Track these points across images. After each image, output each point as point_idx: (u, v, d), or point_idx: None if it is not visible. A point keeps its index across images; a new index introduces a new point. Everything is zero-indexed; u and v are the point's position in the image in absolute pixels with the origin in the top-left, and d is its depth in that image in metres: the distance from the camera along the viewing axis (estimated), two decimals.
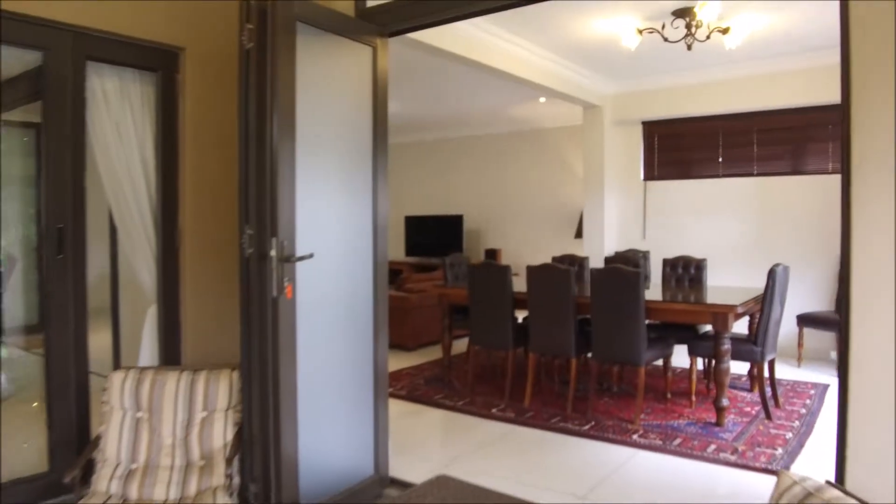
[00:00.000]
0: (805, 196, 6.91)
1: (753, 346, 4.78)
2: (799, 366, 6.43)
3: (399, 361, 6.81)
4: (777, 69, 6.79)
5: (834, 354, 6.58)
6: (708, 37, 5.37)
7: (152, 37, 3.70)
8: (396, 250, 12.18)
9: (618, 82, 7.69)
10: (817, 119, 6.84)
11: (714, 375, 4.68)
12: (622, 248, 7.86)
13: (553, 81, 6.78)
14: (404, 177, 12.20)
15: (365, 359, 3.61)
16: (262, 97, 3.04)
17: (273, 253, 2.93)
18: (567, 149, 10.08)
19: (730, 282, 6.90)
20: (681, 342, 5.31)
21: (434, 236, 11.34)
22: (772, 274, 4.71)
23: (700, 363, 5.66)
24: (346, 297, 3.48)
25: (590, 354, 5.04)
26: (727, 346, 4.57)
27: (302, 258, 3.02)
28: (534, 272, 5.13)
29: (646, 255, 7.41)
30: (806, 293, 6.80)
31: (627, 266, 5.65)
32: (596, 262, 7.41)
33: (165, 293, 3.86)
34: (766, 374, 4.92)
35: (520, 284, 5.43)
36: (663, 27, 5.39)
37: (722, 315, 4.52)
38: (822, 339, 6.71)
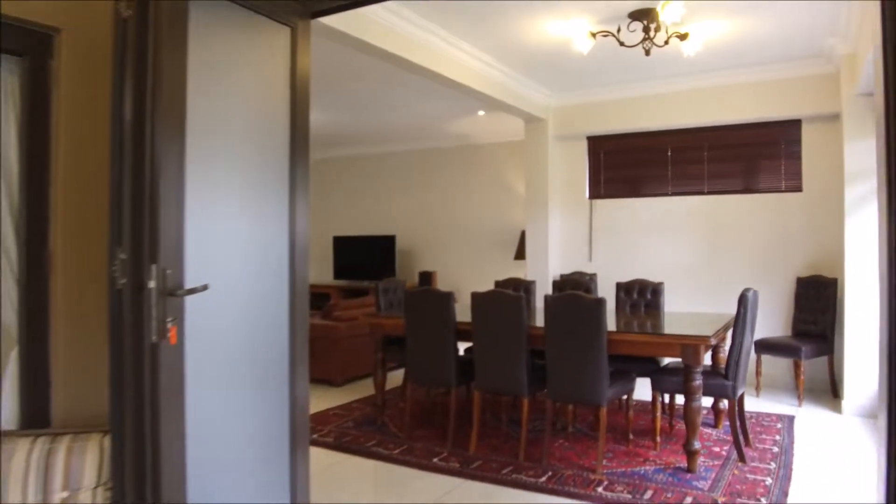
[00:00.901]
0: (758, 215, 6.59)
1: (724, 381, 4.29)
2: (758, 395, 6.02)
3: (325, 399, 6.06)
4: (729, 82, 6.47)
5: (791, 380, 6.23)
6: (667, 42, 4.94)
7: (19, 13, 2.92)
8: (324, 273, 11.42)
9: (562, 94, 7.24)
10: (770, 135, 6.54)
11: (685, 415, 4.15)
12: (567, 270, 7.37)
13: (494, 90, 6.24)
14: (332, 194, 11.48)
15: (279, 405, 2.89)
16: (142, 81, 2.31)
17: (152, 284, 2.20)
18: (506, 166, 9.59)
19: (685, 306, 6.48)
20: (642, 375, 4.80)
21: (365, 258, 10.64)
22: (743, 300, 4.25)
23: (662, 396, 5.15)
24: (254, 331, 2.77)
25: (545, 390, 4.45)
26: (698, 381, 4.06)
27: (192, 291, 2.29)
28: (480, 299, 4.52)
29: (593, 277, 6.93)
30: (762, 317, 6.42)
31: (581, 291, 5.13)
32: (543, 287, 6.88)
33: (30, 333, 3.04)
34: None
35: (461, 312, 4.81)
36: (619, 31, 4.93)
37: (693, 347, 4.00)
38: (778, 366, 6.35)
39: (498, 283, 6.13)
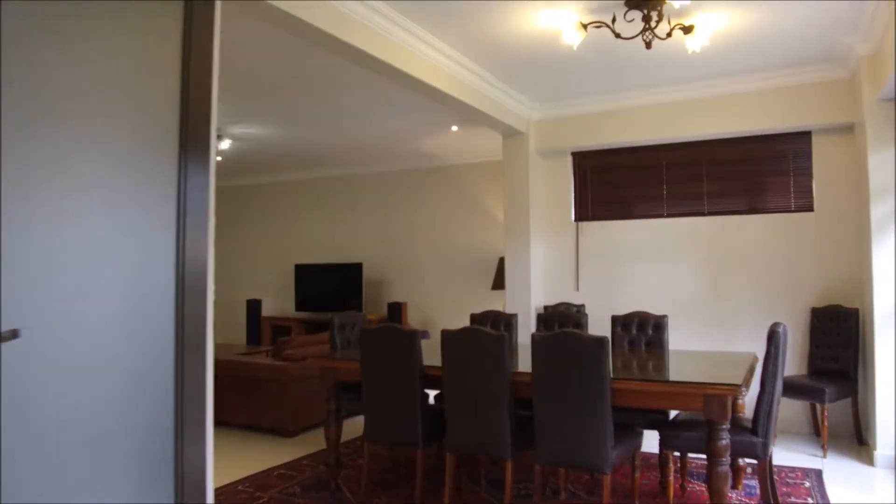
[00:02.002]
0: (765, 238, 5.87)
1: (752, 437, 3.50)
2: (774, 443, 5.22)
3: (272, 454, 5.15)
4: (730, 91, 5.79)
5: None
6: (669, 34, 4.22)
7: None
8: (285, 304, 10.50)
9: (545, 104, 6.51)
10: (776, 149, 5.86)
11: (709, 481, 3.33)
12: (552, 301, 6.58)
13: (469, 96, 5.48)
14: (294, 219, 10.62)
15: (156, 492, 2.05)
16: None
17: None
18: (483, 188, 8.83)
19: (686, 342, 5.70)
20: (647, 426, 3.99)
21: (329, 288, 9.76)
22: (774, 337, 3.47)
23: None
24: (114, 392, 1.92)
25: (533, 450, 3.61)
26: (726, 440, 3.25)
27: None
28: (452, 339, 3.69)
29: (581, 309, 6.14)
30: None
31: (570, 326, 4.33)
32: (526, 321, 6.08)
33: None
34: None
35: (432, 352, 3.98)
36: (614, 20, 4.20)
37: (719, 399, 3.20)
38: (791, 408, 5.58)
39: (474, 318, 5.31)
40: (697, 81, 5.81)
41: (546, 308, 6.37)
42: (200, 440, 2.14)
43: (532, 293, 6.45)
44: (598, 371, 3.24)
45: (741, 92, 5.75)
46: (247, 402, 5.97)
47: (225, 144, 7.70)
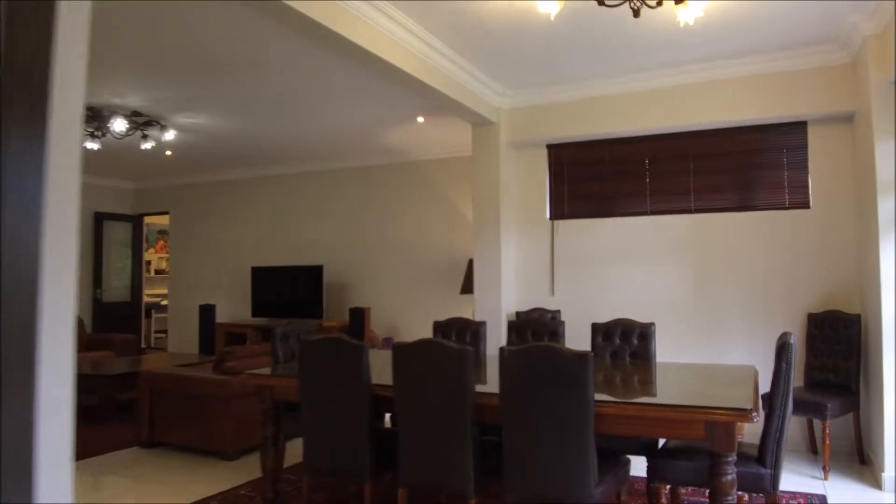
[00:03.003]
0: (757, 237, 5.37)
1: (759, 468, 2.96)
2: None
3: (208, 481, 4.51)
4: (718, 77, 5.29)
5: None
6: (660, 2, 3.69)
7: None
8: (241, 310, 9.83)
9: (518, 91, 5.96)
10: (769, 141, 5.37)
11: None
12: (525, 307, 6.02)
13: (435, 78, 4.91)
14: (251, 218, 9.95)
15: None
16: None
17: None
18: (452, 185, 8.26)
19: (672, 353, 5.18)
20: (633, 452, 3.44)
21: (287, 292, 9.10)
22: (784, 351, 2.94)
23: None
24: None
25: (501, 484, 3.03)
26: (731, 475, 2.70)
27: None
28: (407, 353, 3.10)
29: (556, 315, 5.59)
30: (768, 363, 5.17)
31: (546, 336, 3.78)
32: (496, 329, 5.51)
33: None
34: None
35: (386, 368, 3.39)
36: None
37: (725, 427, 2.64)
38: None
39: (438, 326, 4.74)
40: (684, 66, 5.30)
41: (518, 315, 5.82)
42: (25, 488, 1.53)
43: (503, 298, 5.88)
44: (580, 392, 2.67)
45: (731, 78, 5.25)
46: (186, 421, 5.33)
47: (170, 135, 7.03)
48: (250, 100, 6.21)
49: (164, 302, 12.01)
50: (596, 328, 4.24)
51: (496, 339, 5.39)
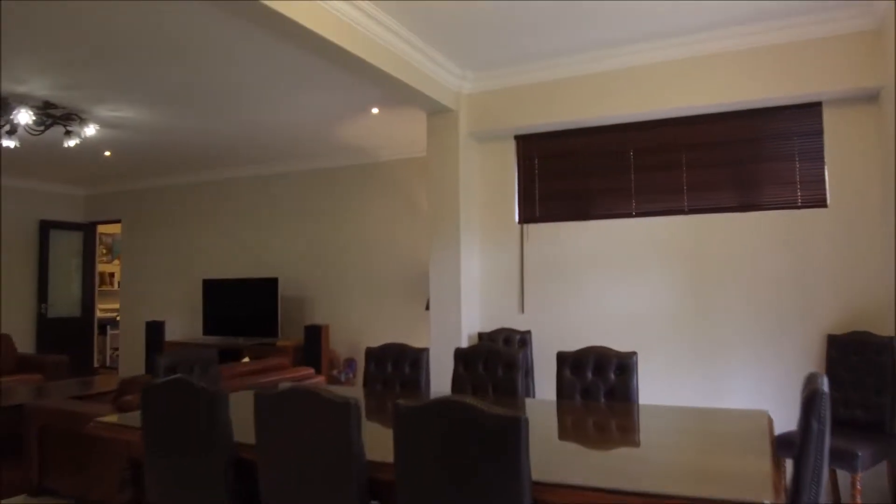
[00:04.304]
0: (764, 243, 4.47)
1: None
2: None
3: None
4: (715, 49, 4.40)
5: None
6: None
7: None
8: (192, 327, 8.91)
9: (479, 73, 5.07)
10: (776, 126, 4.48)
11: None
12: (490, 326, 5.11)
13: (377, 55, 4.04)
14: (202, 227, 9.06)
15: None
16: None
17: None
18: (417, 188, 7.37)
19: (662, 386, 4.28)
20: None
21: (240, 308, 8.19)
22: (816, 404, 2.03)
23: None
24: None
25: None
26: None
27: None
28: (271, 407, 2.18)
29: (525, 337, 4.69)
30: (778, 397, 4.27)
31: (501, 365, 2.93)
32: (445, 356, 4.61)
33: None
34: None
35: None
36: None
37: None
38: None
39: (371, 354, 3.82)
40: (674, 37, 4.42)
41: (481, 336, 4.91)
42: None
43: (463, 316, 4.96)
44: (509, 473, 1.76)
45: (731, 51, 4.37)
46: (76, 466, 4.42)
47: (90, 130, 6.14)
48: (178, 89, 5.37)
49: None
50: (563, 358, 3.32)
51: (447, 367, 4.48)
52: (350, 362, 7.61)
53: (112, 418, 2.96)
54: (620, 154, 4.90)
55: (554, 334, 4.86)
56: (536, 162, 5.19)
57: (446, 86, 4.96)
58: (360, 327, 7.70)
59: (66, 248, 10.05)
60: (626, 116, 4.73)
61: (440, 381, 4.55)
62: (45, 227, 9.74)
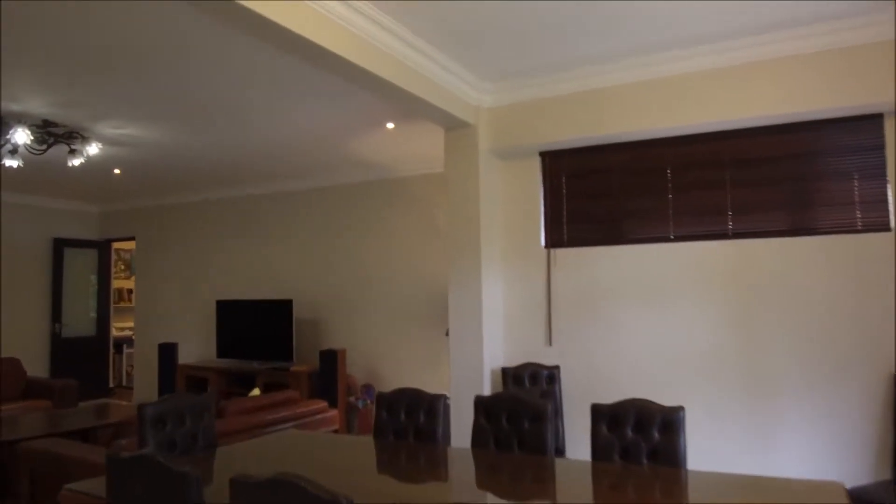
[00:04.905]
0: (820, 271, 4.01)
1: None
2: None
3: None
4: (762, 56, 3.98)
5: None
6: None
7: None
8: (205, 350, 8.62)
9: (500, 84, 4.68)
10: (832, 141, 4.04)
11: None
12: (514, 360, 4.71)
13: (392, 70, 3.69)
14: (214, 245, 8.78)
15: None
16: None
17: None
18: (437, 205, 7.00)
19: (705, 439, 3.84)
20: None
21: (254, 331, 7.87)
22: None
23: None
24: None
25: None
26: None
27: None
28: (244, 496, 1.80)
29: (553, 373, 4.29)
30: (839, 446, 3.81)
31: (528, 422, 2.55)
32: (464, 396, 4.22)
33: None
34: None
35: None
36: None
37: None
38: None
39: (382, 400, 3.43)
40: (717, 42, 4.00)
41: (505, 372, 4.50)
42: None
43: (485, 350, 4.56)
44: None
45: (780, 56, 3.93)
46: None
47: (93, 149, 5.87)
48: (186, 106, 5.12)
49: None
50: (599, 412, 2.90)
51: (469, 414, 4.08)
52: (368, 388, 7.24)
53: (84, 485, 2.62)
54: (657, 172, 4.48)
55: (585, 370, 4.45)
56: (564, 180, 4.78)
57: (464, 99, 4.59)
58: (377, 351, 7.33)
59: (80, 267, 9.85)
60: (663, 130, 4.31)
61: (461, 429, 4.16)
62: (59, 246, 9.55)
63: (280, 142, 6.23)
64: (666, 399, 3.01)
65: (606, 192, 4.65)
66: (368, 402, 7.14)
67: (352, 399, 7.18)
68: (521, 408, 3.00)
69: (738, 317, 4.15)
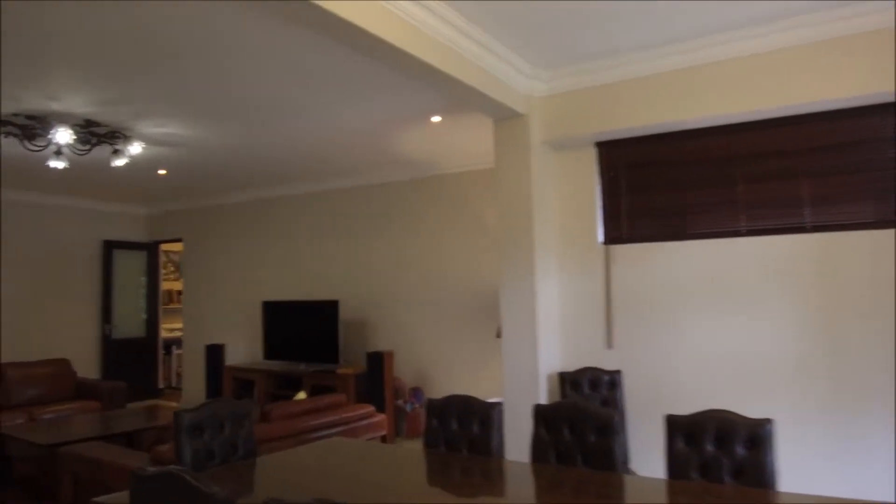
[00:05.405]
0: None
1: None
2: None
3: None
4: (847, 29, 3.60)
5: None
6: None
7: None
8: (252, 351, 8.55)
9: (554, 71, 4.41)
10: None
11: None
12: (573, 364, 4.42)
13: (440, 57, 3.47)
14: (260, 246, 8.71)
15: None
16: None
17: None
18: (484, 202, 6.75)
19: (786, 451, 3.50)
20: None
21: (300, 331, 7.75)
22: None
23: None
24: None
25: None
26: None
27: None
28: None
29: (615, 378, 4.00)
30: None
31: (594, 434, 2.27)
32: (517, 403, 3.96)
33: None
34: None
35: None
36: None
37: None
38: None
39: (433, 408, 3.20)
40: (794, 17, 3.65)
41: (563, 377, 4.22)
42: None
43: (540, 353, 4.28)
44: None
45: (866, 31, 3.56)
46: None
47: (136, 148, 5.80)
48: (227, 103, 5.01)
49: None
50: (675, 424, 2.61)
51: (524, 423, 3.81)
52: (416, 391, 7.03)
53: (114, 498, 2.45)
54: (725, 161, 4.14)
55: (649, 375, 4.14)
56: (623, 172, 4.48)
57: (515, 87, 4.32)
58: (425, 353, 7.12)
59: (129, 269, 9.90)
60: (732, 116, 3.97)
61: (515, 438, 3.89)
62: (109, 248, 9.61)
63: (324, 139, 6.07)
64: (739, 410, 2.69)
65: (669, 184, 4.32)
66: (416, 405, 6.94)
67: (399, 402, 6.99)
68: (586, 418, 2.73)
69: (822, 318, 3.79)
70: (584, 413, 2.75)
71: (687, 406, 3.83)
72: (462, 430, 3.08)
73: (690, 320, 4.12)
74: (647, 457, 3.98)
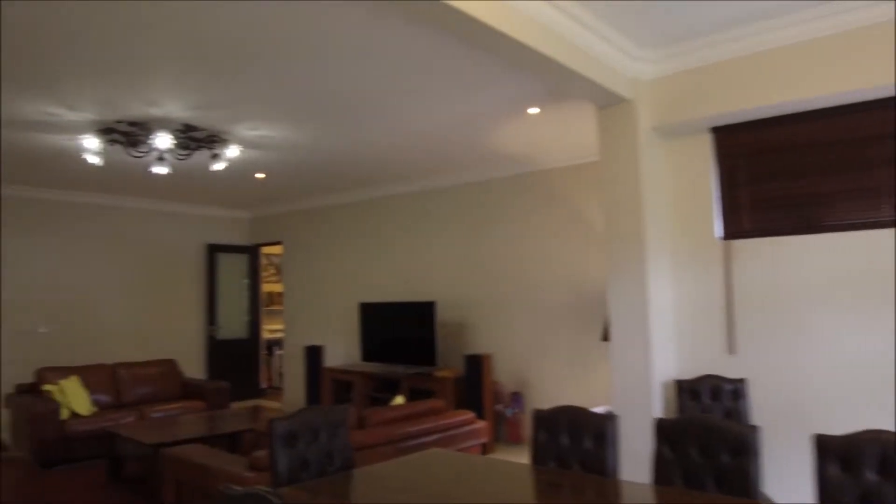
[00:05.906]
0: None
1: None
2: None
3: None
4: None
5: None
6: None
7: None
8: (350, 352, 8.54)
9: (663, 50, 4.04)
10: None
11: None
12: (691, 372, 4.04)
13: (541, 38, 3.21)
14: (356, 247, 8.69)
15: None
16: None
17: None
18: (586, 199, 6.42)
19: None
20: None
21: (397, 333, 7.65)
22: None
23: None
24: None
25: None
26: None
27: None
28: None
29: (739, 388, 3.61)
30: None
31: (729, 454, 1.93)
32: (630, 414, 3.64)
33: None
34: None
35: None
36: None
37: None
38: None
39: (541, 420, 2.95)
40: None
41: (681, 385, 3.86)
42: None
43: (653, 359, 3.93)
44: None
45: None
46: None
47: (233, 152, 5.85)
48: (320, 102, 4.95)
49: None
50: (825, 445, 2.24)
51: (636, 435, 3.49)
52: (516, 396, 6.78)
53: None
54: (865, 142, 3.66)
55: (779, 384, 3.71)
56: (743, 160, 4.06)
57: (621, 70, 4.00)
58: (526, 357, 6.85)
59: (232, 271, 10.16)
60: (873, 91, 3.49)
61: (627, 452, 3.56)
62: (213, 251, 9.88)
63: (420, 136, 5.92)
64: (885, 426, 2.29)
65: (797, 171, 3.87)
66: (517, 410, 6.69)
67: (499, 407, 6.76)
68: (718, 436, 2.40)
69: None
70: (715, 430, 2.42)
71: (825, 421, 3.41)
72: (574, 444, 2.81)
73: (826, 323, 3.66)
74: (781, 478, 3.56)
